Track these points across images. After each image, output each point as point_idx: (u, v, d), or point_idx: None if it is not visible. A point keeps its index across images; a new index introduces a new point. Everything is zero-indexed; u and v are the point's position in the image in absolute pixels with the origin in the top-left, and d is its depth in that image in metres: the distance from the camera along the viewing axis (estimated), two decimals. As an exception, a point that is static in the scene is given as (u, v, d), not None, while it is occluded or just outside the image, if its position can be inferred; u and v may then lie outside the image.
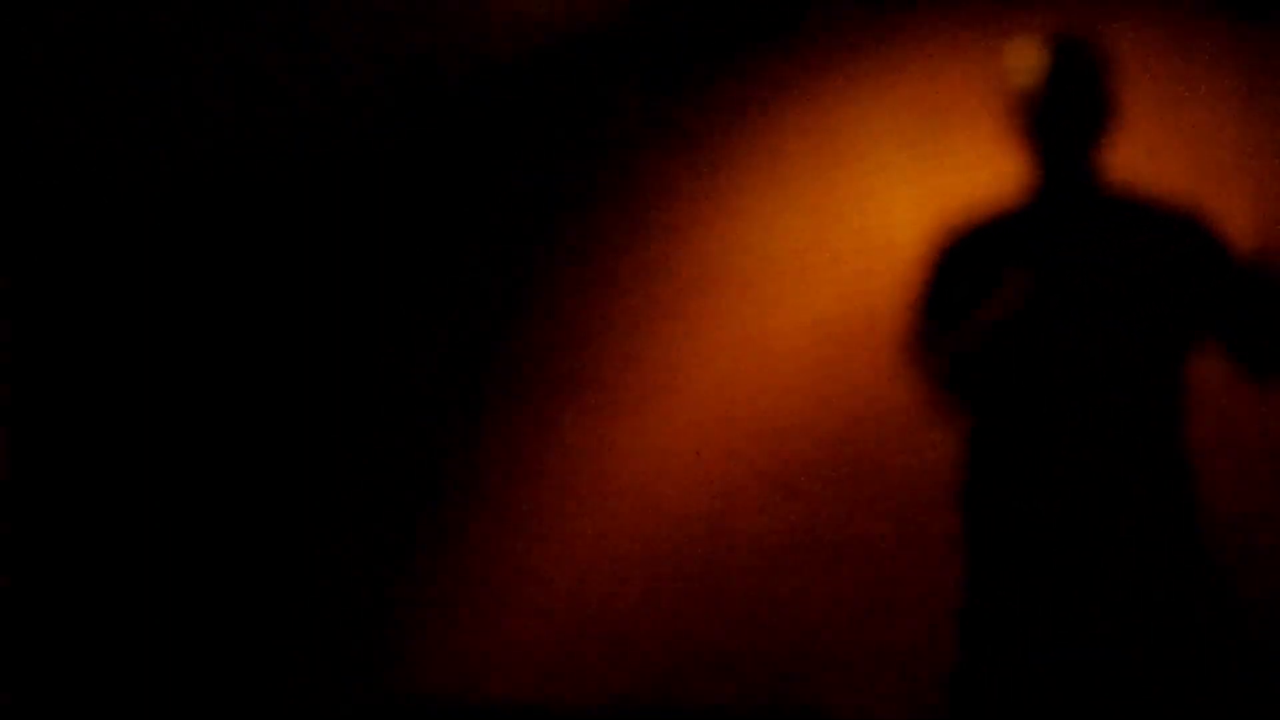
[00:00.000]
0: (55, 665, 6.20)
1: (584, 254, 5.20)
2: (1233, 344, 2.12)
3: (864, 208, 4.34)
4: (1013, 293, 2.00)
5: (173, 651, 6.58)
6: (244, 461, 6.57)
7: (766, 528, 4.47)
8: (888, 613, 4.19)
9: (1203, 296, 2.12)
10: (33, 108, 5.91)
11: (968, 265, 2.21)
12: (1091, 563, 2.00)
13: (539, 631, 5.12)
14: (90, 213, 6.91)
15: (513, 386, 5.37)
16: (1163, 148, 3.75)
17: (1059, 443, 2.04)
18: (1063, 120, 2.15)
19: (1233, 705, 1.95)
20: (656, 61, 5.01)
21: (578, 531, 5.02)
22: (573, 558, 5.03)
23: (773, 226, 4.57)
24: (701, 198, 4.80)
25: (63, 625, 6.36)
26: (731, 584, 4.55)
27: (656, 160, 4.95)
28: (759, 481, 4.51)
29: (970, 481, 2.14)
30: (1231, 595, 2.04)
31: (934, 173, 4.17)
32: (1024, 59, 2.24)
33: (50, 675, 6.17)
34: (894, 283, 4.20)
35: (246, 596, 6.43)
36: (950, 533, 3.96)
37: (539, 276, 5.38)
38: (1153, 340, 2.09)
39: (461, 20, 5.25)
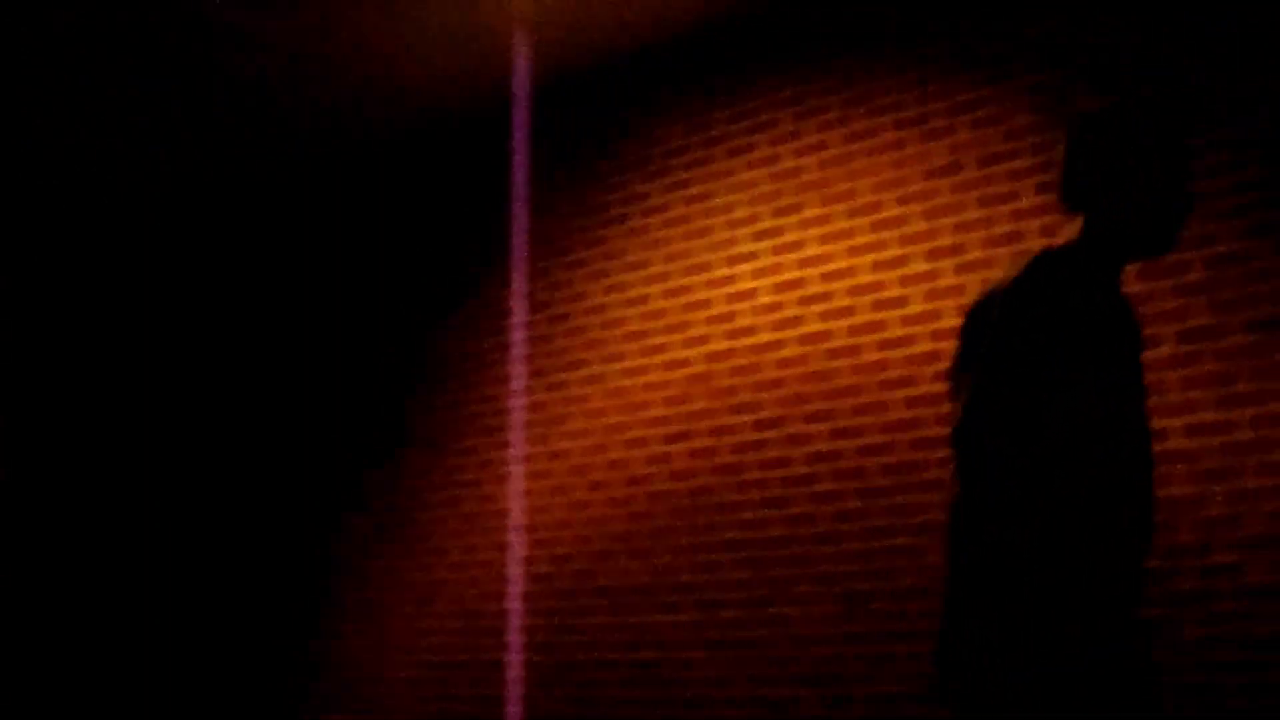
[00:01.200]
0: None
1: (485, 300, 5.73)
2: None
3: (728, 260, 4.96)
4: None
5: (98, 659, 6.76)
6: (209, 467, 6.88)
7: (618, 571, 5.04)
8: (723, 655, 4.73)
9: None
10: (33, 108, 5.87)
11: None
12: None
13: (416, 657, 5.62)
14: (90, 213, 6.95)
15: (418, 424, 5.87)
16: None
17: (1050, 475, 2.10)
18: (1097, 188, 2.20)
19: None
20: (556, 132, 5.58)
21: (465, 561, 5.55)
22: (460, 581, 5.57)
23: (655, 279, 5.16)
24: (593, 252, 5.37)
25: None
26: (588, 622, 5.08)
27: (551, 215, 5.52)
28: (619, 526, 5.07)
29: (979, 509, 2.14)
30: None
31: (779, 232, 4.82)
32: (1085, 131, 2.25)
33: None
34: (752, 325, 4.84)
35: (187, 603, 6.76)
36: (791, 573, 4.57)
37: (441, 319, 5.88)
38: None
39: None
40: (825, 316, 4.69)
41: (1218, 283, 4.07)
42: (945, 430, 4.39)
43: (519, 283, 5.61)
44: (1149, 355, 4.15)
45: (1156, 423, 4.13)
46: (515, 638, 5.27)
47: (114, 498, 6.87)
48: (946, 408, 4.41)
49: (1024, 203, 4.39)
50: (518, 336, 5.53)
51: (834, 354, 4.64)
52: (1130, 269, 4.25)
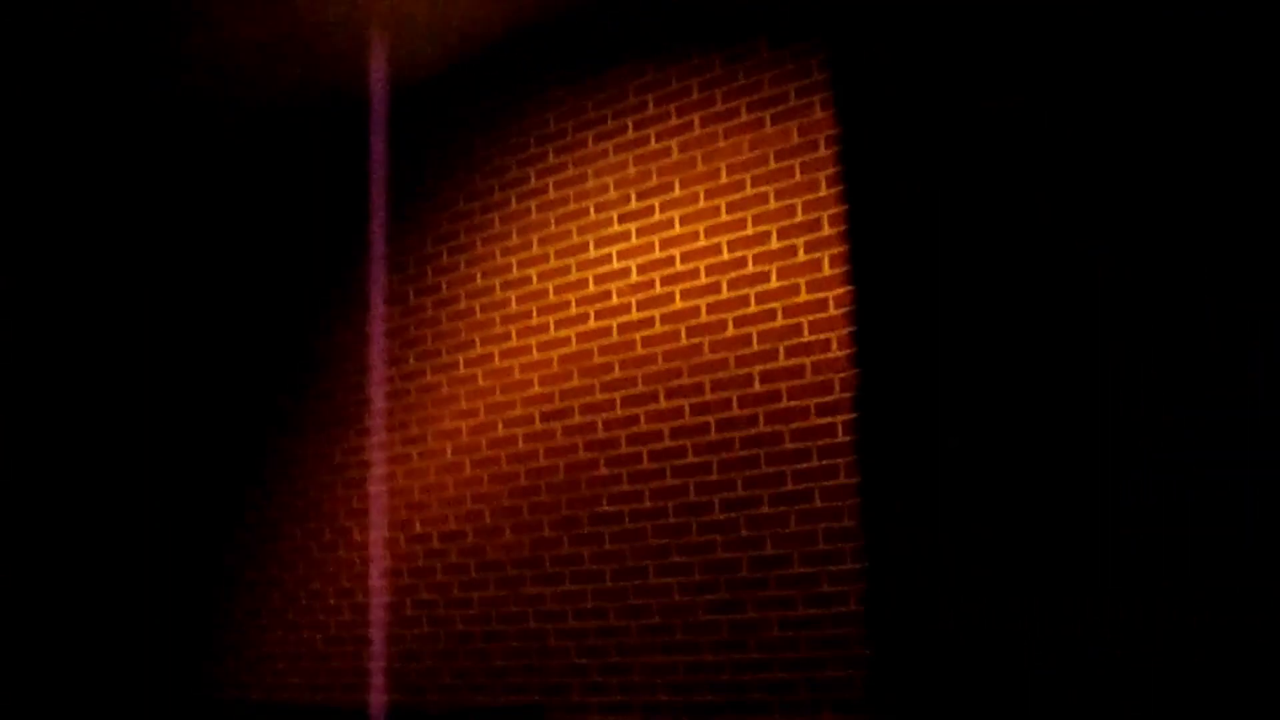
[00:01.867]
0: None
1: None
2: None
3: (600, 241, 5.09)
4: None
5: None
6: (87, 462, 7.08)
7: (504, 545, 5.17)
8: (600, 624, 4.87)
9: None
10: (37, 106, 5.82)
11: None
12: None
13: (323, 632, 5.80)
14: (93, 211, 7.00)
15: (319, 408, 6.03)
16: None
17: None
18: None
19: None
20: (438, 118, 5.72)
21: (365, 540, 5.72)
22: (357, 563, 5.73)
23: (533, 261, 5.30)
24: (475, 236, 5.52)
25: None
26: (478, 595, 5.23)
27: (436, 200, 5.65)
28: (504, 502, 5.22)
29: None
30: None
31: (647, 213, 4.95)
32: None
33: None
34: (623, 304, 4.98)
35: (70, 598, 6.96)
36: (662, 543, 4.70)
37: (334, 306, 6.04)
38: None
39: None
40: (688, 294, 4.81)
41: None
42: (801, 402, 4.50)
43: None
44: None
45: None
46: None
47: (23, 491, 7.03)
48: (801, 380, 4.52)
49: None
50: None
51: (697, 330, 4.76)
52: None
